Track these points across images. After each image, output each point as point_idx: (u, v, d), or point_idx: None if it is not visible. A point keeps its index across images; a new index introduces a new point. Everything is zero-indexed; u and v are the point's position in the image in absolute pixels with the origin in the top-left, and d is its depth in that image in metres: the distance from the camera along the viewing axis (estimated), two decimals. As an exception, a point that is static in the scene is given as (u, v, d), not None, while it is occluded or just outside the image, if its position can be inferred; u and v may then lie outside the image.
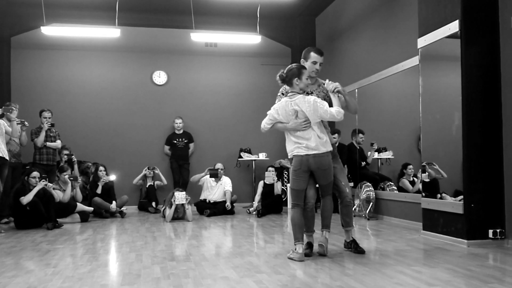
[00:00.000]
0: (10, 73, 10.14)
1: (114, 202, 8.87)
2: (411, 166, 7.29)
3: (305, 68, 4.67)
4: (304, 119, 4.52)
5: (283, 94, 4.83)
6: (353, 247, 4.87)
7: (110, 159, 10.19)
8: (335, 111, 4.51)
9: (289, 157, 4.76)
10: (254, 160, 10.68)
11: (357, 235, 6.25)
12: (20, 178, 7.82)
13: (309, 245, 4.80)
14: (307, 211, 4.74)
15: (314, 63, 4.80)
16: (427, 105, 5.98)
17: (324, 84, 4.84)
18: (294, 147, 4.62)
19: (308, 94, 4.69)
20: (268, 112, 4.77)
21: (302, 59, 4.87)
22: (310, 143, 4.53)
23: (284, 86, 4.80)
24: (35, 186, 7.36)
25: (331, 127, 9.14)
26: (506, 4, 5.24)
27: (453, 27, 5.38)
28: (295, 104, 4.54)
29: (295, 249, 4.57)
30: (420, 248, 5.15)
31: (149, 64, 10.92)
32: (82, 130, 10.39)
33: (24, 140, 8.24)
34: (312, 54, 4.82)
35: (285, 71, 4.63)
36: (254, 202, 9.33)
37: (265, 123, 4.79)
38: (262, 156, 10.57)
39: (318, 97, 4.67)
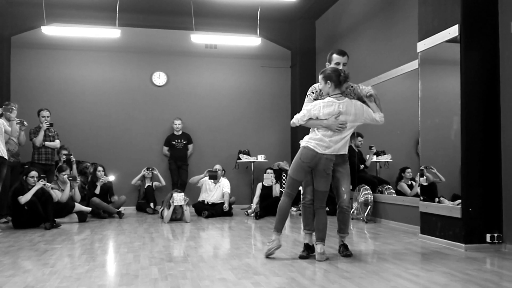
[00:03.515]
0: (10, 73, 10.14)
1: (114, 196, 9.21)
2: (409, 170, 7.29)
3: None
4: (343, 121, 4.56)
5: (313, 92, 4.85)
6: (341, 251, 4.89)
7: (109, 160, 10.18)
8: (378, 116, 4.66)
9: (303, 144, 4.71)
10: (253, 162, 10.68)
11: (355, 238, 6.26)
12: (18, 177, 7.82)
13: (307, 247, 4.82)
14: (305, 207, 4.84)
15: (337, 64, 4.85)
16: (426, 109, 5.99)
17: (352, 87, 4.87)
18: (314, 141, 4.61)
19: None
20: (306, 109, 4.71)
21: (326, 63, 4.94)
22: (333, 143, 4.59)
23: (314, 85, 4.86)
24: (33, 186, 7.35)
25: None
26: (506, 9, 5.25)
27: (453, 31, 5.40)
28: (344, 105, 4.59)
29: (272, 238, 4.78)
30: (418, 251, 5.16)
31: (149, 65, 10.92)
32: (81, 130, 10.38)
33: (23, 140, 8.23)
34: (334, 55, 4.89)
35: (339, 73, 4.63)
36: (252, 204, 9.34)
37: (300, 119, 4.73)
38: (260, 158, 10.57)
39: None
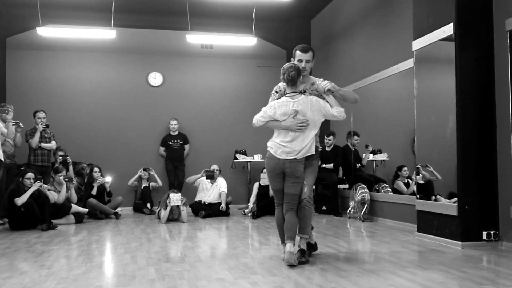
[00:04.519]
0: (5, 74, 10.12)
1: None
2: (406, 168, 7.31)
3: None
4: (302, 119, 4.39)
5: (276, 92, 4.71)
6: (297, 257, 4.40)
7: (105, 160, 10.17)
8: (337, 112, 4.43)
9: (268, 148, 4.58)
10: (250, 161, 10.68)
11: (352, 236, 6.28)
12: (14, 179, 7.80)
13: (309, 246, 4.76)
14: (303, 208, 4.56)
15: (300, 61, 4.63)
16: (422, 107, 6.00)
17: (313, 84, 4.67)
18: (275, 146, 4.50)
19: (301, 93, 4.57)
20: (263, 109, 4.59)
21: (292, 59, 4.75)
22: (294, 146, 4.41)
23: (279, 84, 4.72)
24: (29, 187, 7.34)
25: (327, 128, 9.19)
26: (500, 7, 5.27)
27: (448, 30, 5.41)
28: (298, 104, 4.41)
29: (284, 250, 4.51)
30: (415, 250, 5.17)
31: (144, 65, 10.91)
32: (77, 131, 10.37)
33: (19, 141, 8.21)
34: (297, 52, 4.67)
35: (292, 71, 4.45)
36: (249, 204, 9.33)
37: (259, 120, 4.61)
38: (257, 157, 10.57)
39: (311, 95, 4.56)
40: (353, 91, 8.43)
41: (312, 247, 4.82)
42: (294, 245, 4.35)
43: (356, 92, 8.40)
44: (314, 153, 4.53)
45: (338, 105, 4.49)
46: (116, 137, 10.64)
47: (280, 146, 4.48)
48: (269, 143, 4.61)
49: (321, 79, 4.65)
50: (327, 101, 4.51)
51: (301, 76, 4.55)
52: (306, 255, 4.53)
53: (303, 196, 4.54)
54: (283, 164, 4.44)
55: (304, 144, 4.43)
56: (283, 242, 4.56)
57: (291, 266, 4.27)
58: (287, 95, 4.52)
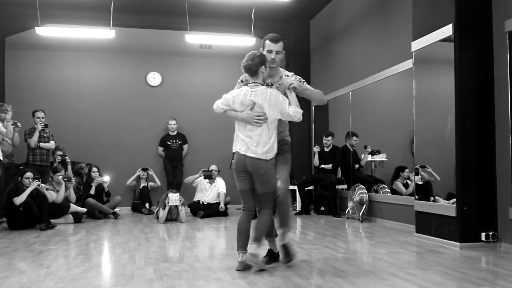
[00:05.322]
0: (4, 74, 10.11)
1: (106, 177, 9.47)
2: (407, 170, 7.27)
3: (265, 56, 4.28)
4: (259, 112, 4.11)
5: (242, 81, 4.48)
6: (284, 257, 4.41)
7: (104, 160, 10.17)
8: (292, 112, 4.13)
9: (233, 150, 4.29)
10: (248, 162, 10.67)
11: (350, 237, 6.27)
12: (12, 178, 7.80)
13: (270, 254, 4.54)
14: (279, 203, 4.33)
15: (269, 52, 4.33)
16: (421, 108, 6.00)
17: (281, 77, 4.40)
18: (238, 143, 4.20)
19: (268, 86, 4.31)
20: (223, 96, 4.33)
21: (260, 48, 4.45)
22: (252, 143, 4.11)
23: (245, 74, 4.40)
24: (28, 187, 7.33)
25: (326, 129, 9.18)
26: (500, 7, 5.27)
27: (447, 30, 5.41)
28: (256, 95, 4.13)
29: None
30: (413, 250, 5.17)
31: (143, 65, 10.91)
32: (76, 131, 10.36)
33: (17, 141, 8.20)
34: (267, 42, 4.38)
35: (249, 60, 4.22)
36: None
37: (219, 106, 4.33)
38: (256, 158, 10.56)
39: (278, 90, 4.28)
40: (351, 92, 8.52)
41: (274, 255, 4.54)
42: (258, 247, 4.16)
43: (354, 92, 8.50)
44: (272, 157, 4.20)
45: (298, 105, 4.20)
46: (115, 137, 10.64)
47: (240, 140, 4.18)
48: (234, 142, 4.29)
49: (292, 73, 4.43)
50: (287, 98, 4.22)
51: (267, 68, 4.24)
52: (290, 254, 4.40)
53: (278, 191, 4.25)
54: (244, 161, 4.14)
55: (266, 141, 4.12)
56: (240, 248, 4.22)
57: (240, 271, 4.13)
58: (248, 85, 4.27)
